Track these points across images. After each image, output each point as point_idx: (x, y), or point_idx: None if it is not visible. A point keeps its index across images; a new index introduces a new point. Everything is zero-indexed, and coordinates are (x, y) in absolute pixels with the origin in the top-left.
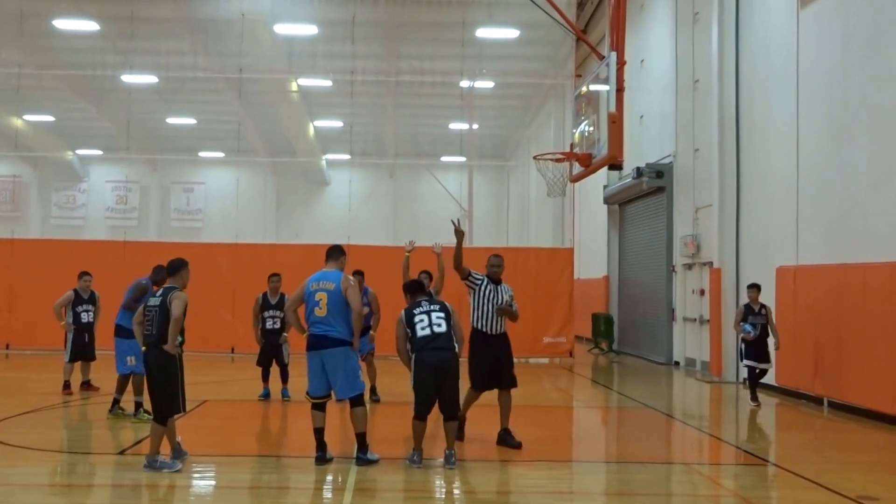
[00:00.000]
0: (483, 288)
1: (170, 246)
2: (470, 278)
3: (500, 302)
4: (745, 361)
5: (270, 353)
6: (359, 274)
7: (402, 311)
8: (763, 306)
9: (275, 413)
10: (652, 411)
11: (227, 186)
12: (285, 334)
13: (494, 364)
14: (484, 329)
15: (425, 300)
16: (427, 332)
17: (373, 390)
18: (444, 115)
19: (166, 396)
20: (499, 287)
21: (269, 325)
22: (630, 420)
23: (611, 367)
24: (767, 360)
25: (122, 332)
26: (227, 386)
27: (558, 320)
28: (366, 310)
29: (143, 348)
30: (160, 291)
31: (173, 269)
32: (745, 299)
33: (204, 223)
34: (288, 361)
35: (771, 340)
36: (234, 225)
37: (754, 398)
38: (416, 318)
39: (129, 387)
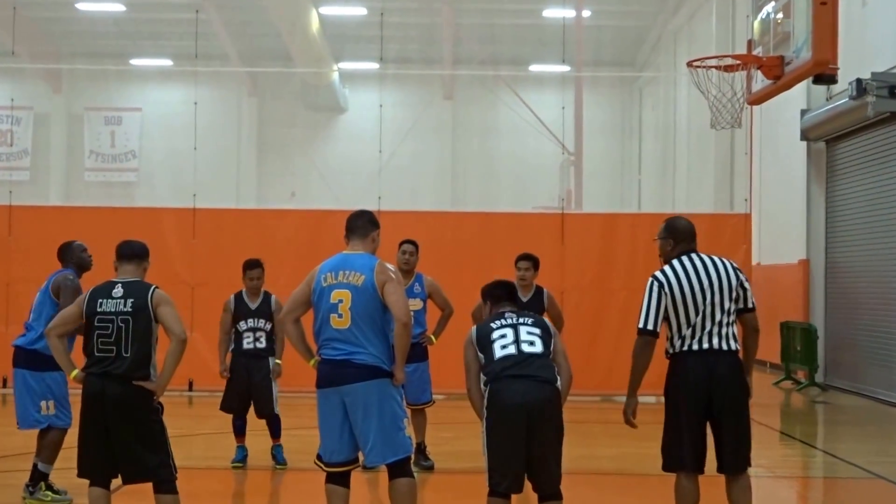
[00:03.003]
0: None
1: (84, 213)
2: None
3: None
4: None
5: (246, 390)
6: (409, 247)
7: (473, 329)
8: None
9: (260, 490)
10: (890, 486)
11: (177, 115)
12: (277, 361)
13: (710, 416)
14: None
15: (512, 311)
16: (511, 350)
17: (421, 450)
18: None
19: (154, 465)
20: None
21: (246, 343)
22: (852, 502)
23: (813, 409)
24: None
25: (31, 359)
26: (182, 445)
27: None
28: (418, 304)
29: (80, 379)
30: (119, 287)
31: (141, 250)
32: None
33: (140, 176)
34: (276, 405)
35: None
36: (189, 179)
37: None
38: (495, 334)
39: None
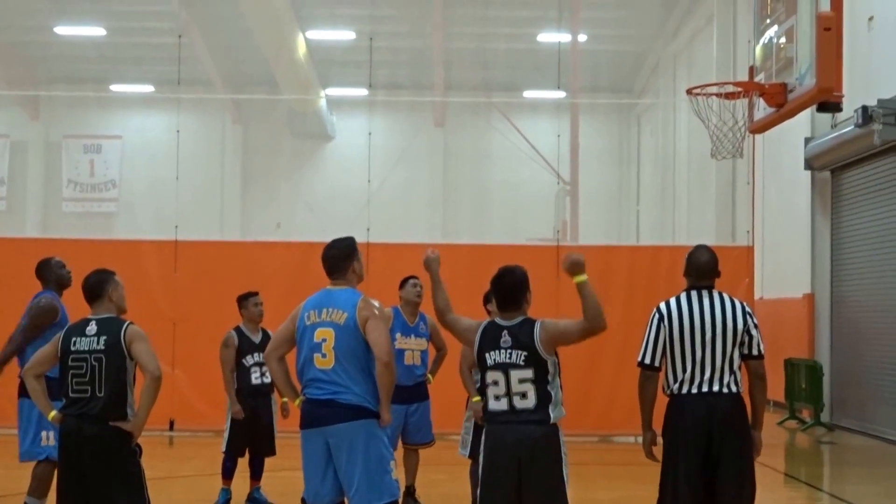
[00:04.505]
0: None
1: (62, 245)
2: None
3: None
4: None
5: (254, 428)
6: (417, 281)
7: (480, 330)
8: None
9: None
10: None
11: (159, 143)
12: (284, 399)
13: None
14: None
15: (507, 337)
16: (503, 405)
17: (410, 493)
18: (530, 20)
19: None
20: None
21: (254, 378)
22: None
23: (818, 450)
24: None
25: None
26: (162, 488)
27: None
28: (423, 344)
29: (60, 422)
30: (92, 325)
31: (96, 287)
32: None
33: (120, 206)
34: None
35: None
36: (171, 210)
37: None
38: (489, 376)
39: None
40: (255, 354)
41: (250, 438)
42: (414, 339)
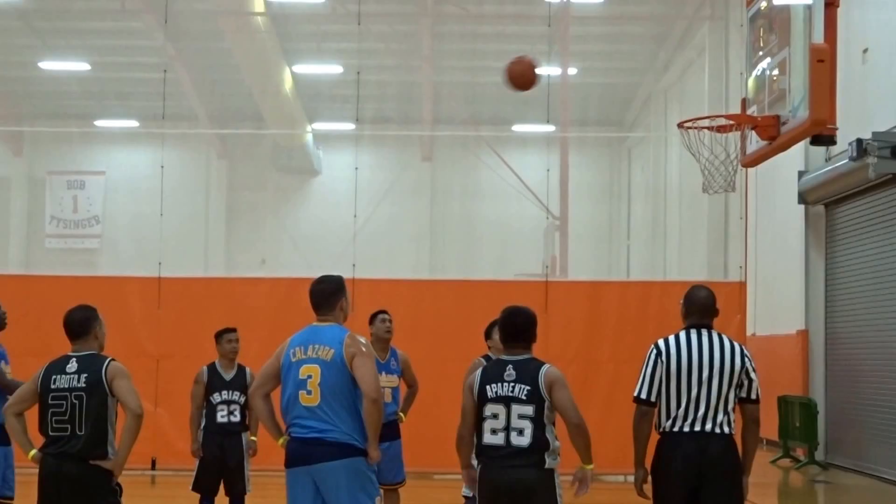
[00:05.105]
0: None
1: (44, 281)
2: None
3: None
4: None
5: (221, 467)
6: (387, 316)
7: (477, 376)
8: None
9: None
10: None
11: (143, 179)
12: (252, 437)
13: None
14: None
15: (512, 370)
16: (499, 440)
17: None
18: (520, 53)
19: None
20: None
21: (220, 417)
22: None
23: (813, 489)
24: None
25: None
26: None
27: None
28: (394, 381)
29: (38, 460)
30: (73, 362)
31: (82, 324)
32: None
33: (104, 243)
34: (248, 485)
35: None
36: (155, 246)
37: None
38: (487, 409)
39: None
40: (224, 392)
41: (218, 477)
42: (385, 377)
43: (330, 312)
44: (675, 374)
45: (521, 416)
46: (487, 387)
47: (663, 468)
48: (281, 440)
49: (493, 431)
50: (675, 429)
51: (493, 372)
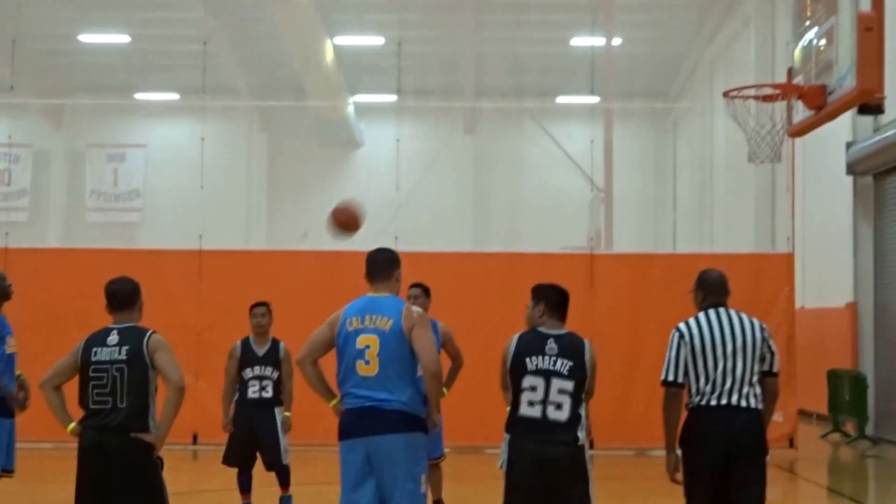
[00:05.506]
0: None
1: (84, 255)
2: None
3: None
4: None
5: (251, 441)
6: (415, 290)
7: (512, 345)
8: None
9: None
10: None
11: (184, 152)
12: (286, 413)
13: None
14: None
15: (553, 344)
16: (536, 413)
17: None
18: (563, 23)
19: None
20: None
21: (251, 392)
22: None
23: (863, 464)
24: None
25: None
26: (186, 502)
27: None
28: None
29: (78, 433)
30: (114, 335)
31: (128, 296)
32: None
33: (144, 216)
34: (286, 457)
35: None
36: (196, 219)
37: None
38: (526, 381)
39: None
40: (256, 367)
41: (250, 452)
42: None
43: (385, 282)
44: (701, 353)
45: (561, 391)
46: (527, 359)
47: (693, 440)
48: (333, 402)
49: (531, 404)
50: (704, 402)
51: (533, 344)
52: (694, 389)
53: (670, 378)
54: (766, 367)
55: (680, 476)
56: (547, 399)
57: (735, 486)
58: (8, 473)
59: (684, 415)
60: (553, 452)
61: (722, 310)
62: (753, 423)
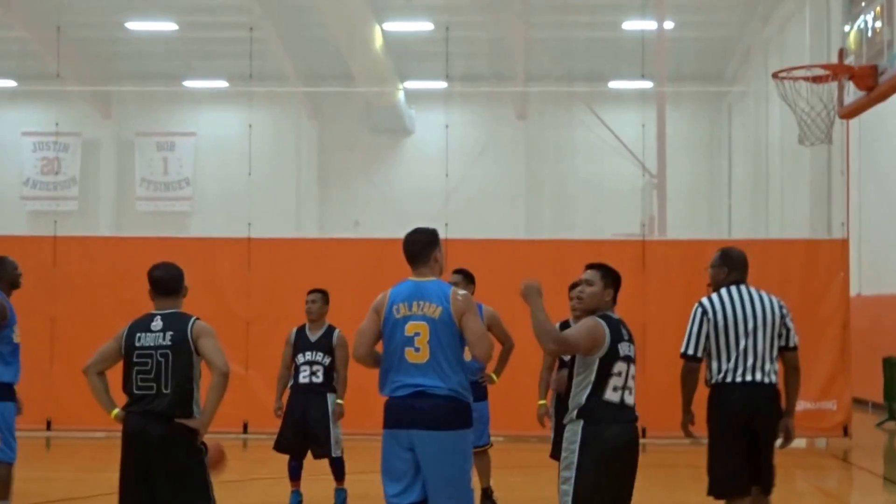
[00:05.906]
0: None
1: (133, 243)
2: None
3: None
4: None
5: (302, 428)
6: (456, 277)
7: (606, 326)
8: None
9: None
10: None
11: (233, 140)
12: (338, 401)
13: (750, 449)
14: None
15: (623, 323)
16: (615, 398)
17: (488, 495)
18: (614, 7)
19: None
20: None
21: (302, 377)
22: None
23: None
24: None
25: None
26: (236, 491)
27: (822, 371)
28: None
29: (122, 419)
30: (158, 320)
31: (174, 282)
32: None
33: (194, 204)
34: (336, 448)
35: None
36: (245, 207)
37: None
38: (616, 366)
39: None
40: (308, 353)
41: (302, 438)
42: None
43: (426, 265)
44: (724, 329)
45: (633, 377)
46: (619, 345)
47: (717, 416)
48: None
49: (615, 389)
50: (728, 380)
51: (617, 328)
52: (716, 367)
53: (690, 352)
54: (783, 343)
55: (693, 430)
56: (626, 385)
57: (759, 453)
58: (7, 464)
59: (706, 392)
60: (633, 432)
61: (743, 287)
62: (774, 399)
